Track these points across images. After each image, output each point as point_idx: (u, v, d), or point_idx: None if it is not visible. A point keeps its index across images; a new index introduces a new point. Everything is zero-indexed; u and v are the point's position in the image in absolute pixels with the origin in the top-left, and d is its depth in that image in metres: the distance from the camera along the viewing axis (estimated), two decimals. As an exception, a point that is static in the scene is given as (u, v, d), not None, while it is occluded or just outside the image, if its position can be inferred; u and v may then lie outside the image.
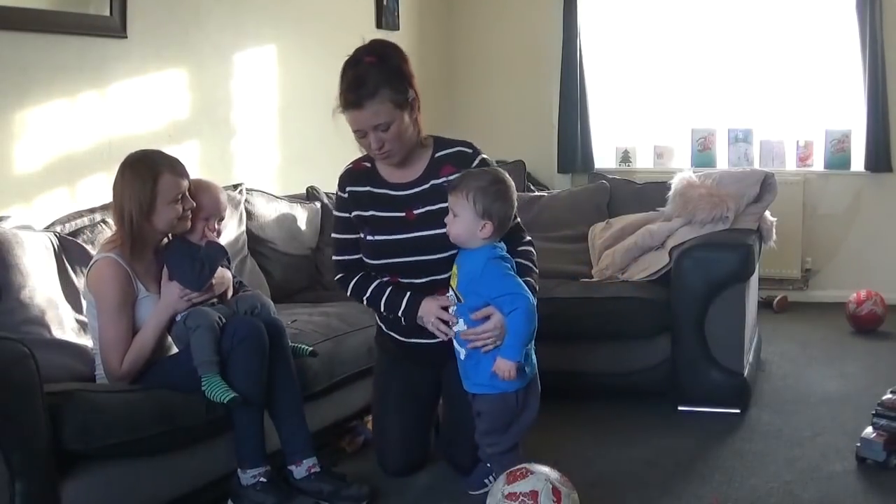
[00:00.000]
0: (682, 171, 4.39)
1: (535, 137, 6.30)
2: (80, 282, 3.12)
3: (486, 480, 2.79)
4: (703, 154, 6.01)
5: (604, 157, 6.24)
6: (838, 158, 5.78)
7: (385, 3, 5.64)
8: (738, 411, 3.75)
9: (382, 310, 2.95)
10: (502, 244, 2.78)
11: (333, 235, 3.05)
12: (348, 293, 3.02)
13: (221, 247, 3.04)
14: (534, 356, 2.80)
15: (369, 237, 2.94)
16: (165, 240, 2.97)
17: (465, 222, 2.70)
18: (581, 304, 3.98)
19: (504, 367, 2.66)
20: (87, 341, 3.00)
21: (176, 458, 2.77)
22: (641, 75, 6.18)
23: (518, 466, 2.60)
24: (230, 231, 3.80)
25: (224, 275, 3.04)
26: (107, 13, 3.69)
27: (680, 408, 3.83)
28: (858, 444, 3.19)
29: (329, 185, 4.61)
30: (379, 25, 5.62)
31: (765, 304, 5.45)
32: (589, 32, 6.13)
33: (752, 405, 3.84)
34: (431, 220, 2.85)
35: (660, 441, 3.48)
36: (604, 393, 3.96)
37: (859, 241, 5.78)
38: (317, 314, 3.63)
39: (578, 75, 6.08)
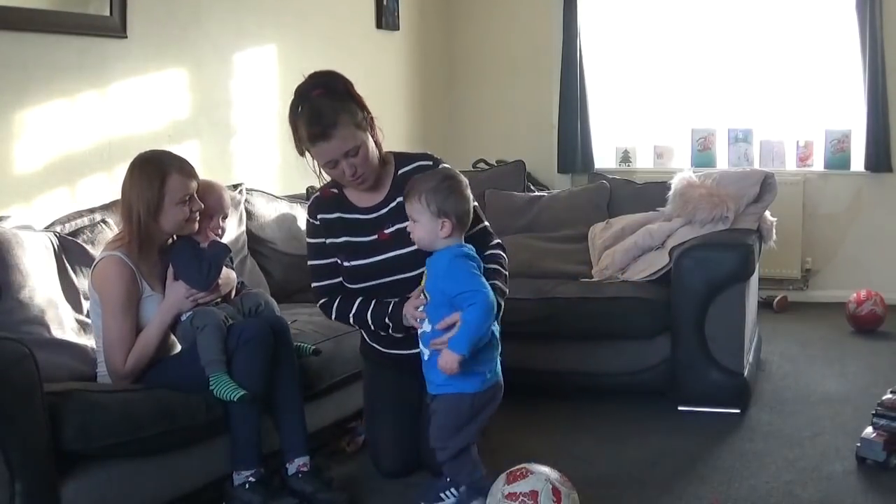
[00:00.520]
0: (682, 171, 4.39)
1: (535, 137, 6.30)
2: (80, 282, 3.12)
3: (442, 494, 2.76)
4: (703, 154, 6.01)
5: (604, 157, 6.24)
6: (838, 158, 5.78)
7: (385, 3, 5.64)
8: (738, 411, 3.75)
9: (370, 322, 2.96)
10: (469, 245, 2.79)
11: (309, 263, 3.05)
12: (332, 317, 3.04)
13: (225, 246, 3.05)
14: (498, 366, 2.79)
15: (346, 263, 2.97)
16: (170, 240, 2.98)
17: (424, 225, 2.73)
18: (581, 304, 3.98)
19: (446, 358, 2.64)
20: (87, 341, 3.00)
21: (176, 458, 2.78)
22: (641, 75, 6.18)
23: (518, 466, 2.61)
24: (230, 231, 3.79)
25: (229, 275, 3.05)
26: (107, 13, 3.69)
27: (680, 408, 3.83)
28: (858, 444, 3.19)
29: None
30: (379, 25, 5.62)
31: (765, 304, 5.45)
32: (589, 32, 6.13)
33: (752, 405, 3.84)
34: (403, 238, 2.88)
35: (660, 441, 3.48)
36: (604, 393, 3.96)
37: (859, 241, 5.78)
38: (317, 314, 3.61)
39: (578, 75, 6.07)
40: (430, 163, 3.01)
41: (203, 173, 3.01)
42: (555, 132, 6.23)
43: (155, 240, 2.90)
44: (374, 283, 2.96)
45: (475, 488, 2.73)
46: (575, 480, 2.65)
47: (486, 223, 3.04)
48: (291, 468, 2.94)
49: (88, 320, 3.07)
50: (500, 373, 2.81)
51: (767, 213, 4.25)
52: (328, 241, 3.00)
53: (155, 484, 2.72)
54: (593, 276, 4.31)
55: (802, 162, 5.87)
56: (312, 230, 3.04)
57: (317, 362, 3.20)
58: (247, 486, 2.85)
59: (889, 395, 3.21)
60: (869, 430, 3.18)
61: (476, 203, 2.98)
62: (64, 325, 2.98)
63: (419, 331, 2.79)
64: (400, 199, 2.89)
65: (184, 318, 2.90)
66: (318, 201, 3.04)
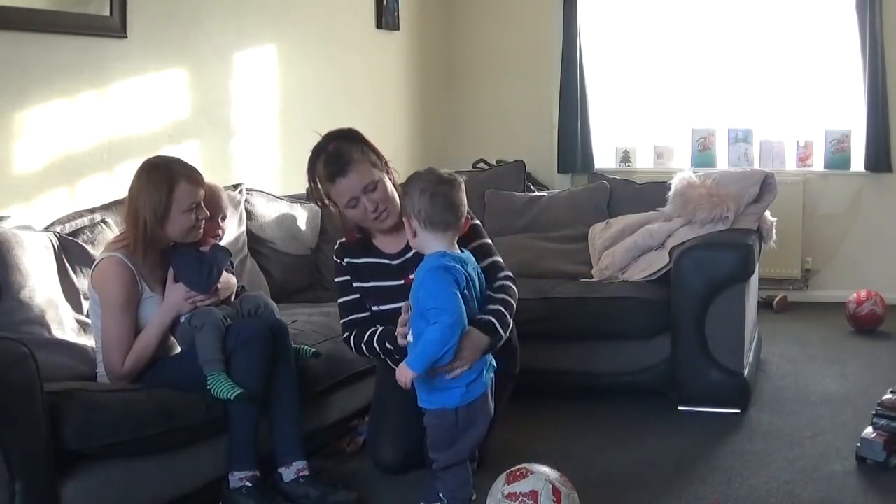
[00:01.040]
0: (682, 171, 4.39)
1: (535, 137, 6.29)
2: (80, 282, 3.12)
3: (440, 495, 2.77)
4: (703, 154, 6.01)
5: (604, 157, 6.24)
6: (838, 158, 5.78)
7: (385, 3, 5.64)
8: (738, 411, 3.75)
9: (378, 349, 2.98)
10: (465, 255, 2.76)
11: (339, 301, 3.10)
12: (354, 350, 3.06)
13: (226, 250, 3.06)
14: (487, 377, 2.76)
15: (374, 307, 3.02)
16: (171, 243, 2.97)
17: (406, 230, 2.74)
18: (581, 304, 3.98)
19: (401, 371, 2.62)
20: (87, 341, 3.00)
21: (176, 458, 2.78)
22: (641, 75, 6.17)
23: (518, 466, 2.61)
24: (230, 231, 3.80)
25: (229, 279, 3.06)
26: (107, 13, 3.69)
27: (680, 408, 3.83)
28: (858, 444, 3.19)
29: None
30: (379, 25, 5.62)
31: (765, 304, 5.44)
32: (589, 32, 6.12)
33: (752, 405, 3.84)
34: None
35: (660, 441, 3.48)
36: (604, 393, 3.96)
37: (859, 241, 5.78)
38: (317, 314, 3.64)
39: (578, 75, 6.07)
40: None
41: (203, 173, 3.01)
42: (555, 132, 6.23)
43: (158, 244, 2.91)
44: None
45: None
46: (575, 480, 2.65)
47: (498, 258, 3.03)
48: (289, 473, 2.93)
49: (88, 320, 3.07)
50: (488, 388, 2.77)
51: (767, 213, 4.25)
52: (355, 283, 3.05)
53: (155, 484, 2.72)
54: (593, 276, 4.31)
55: (802, 162, 5.87)
56: (340, 270, 3.08)
57: (316, 363, 3.20)
58: (243, 490, 2.85)
59: (889, 395, 3.21)
60: (869, 430, 3.18)
61: (490, 240, 3.02)
62: (64, 325, 2.98)
63: (405, 341, 2.77)
64: None
65: (182, 319, 2.91)
66: (344, 246, 3.09)
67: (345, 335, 3.08)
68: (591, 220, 4.61)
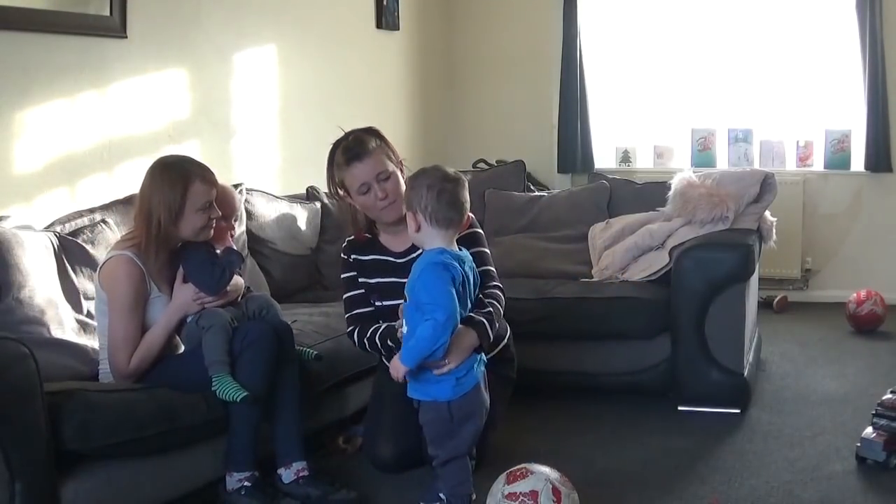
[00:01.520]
0: (682, 171, 4.39)
1: (535, 137, 6.30)
2: (80, 282, 3.12)
3: (441, 495, 2.77)
4: (703, 154, 6.01)
5: (604, 157, 6.24)
6: (838, 158, 5.78)
7: (385, 3, 5.63)
8: (738, 411, 3.75)
9: (379, 345, 3.01)
10: (463, 253, 2.78)
11: (345, 296, 3.14)
12: (357, 344, 3.09)
13: (239, 254, 3.07)
14: (478, 371, 2.78)
15: (377, 303, 3.07)
16: (180, 242, 2.97)
17: (407, 221, 2.77)
18: (581, 304, 3.98)
19: (394, 364, 2.68)
20: (87, 341, 3.00)
21: (176, 458, 2.78)
22: (641, 75, 6.17)
23: (518, 466, 2.61)
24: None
25: (238, 281, 3.06)
26: (107, 13, 3.69)
27: (680, 408, 3.83)
28: (858, 444, 3.19)
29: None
30: (379, 25, 5.62)
31: (765, 304, 5.44)
32: (589, 32, 6.12)
33: (752, 405, 3.84)
34: None
35: (660, 441, 3.49)
36: (604, 393, 3.96)
37: (859, 241, 5.78)
38: (317, 314, 3.64)
39: (578, 75, 6.07)
40: None
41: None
42: (555, 132, 6.23)
43: (169, 243, 2.90)
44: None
45: (452, 502, 2.74)
46: (575, 480, 2.65)
47: (492, 268, 3.06)
48: (288, 474, 2.94)
49: (88, 320, 3.07)
50: (481, 382, 2.79)
51: (767, 213, 4.25)
52: (361, 279, 3.11)
53: (155, 484, 2.72)
54: (593, 276, 4.31)
55: (802, 162, 5.87)
56: (346, 266, 3.14)
57: (316, 363, 3.20)
58: (242, 491, 2.85)
59: (889, 395, 3.21)
60: (869, 430, 3.18)
61: (488, 250, 3.06)
62: (64, 325, 2.98)
63: (400, 332, 2.79)
64: None
65: (189, 319, 2.91)
66: (352, 244, 3.15)
67: (349, 329, 3.11)
68: (591, 220, 4.61)
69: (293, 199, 4.43)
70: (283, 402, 2.96)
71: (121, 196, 3.54)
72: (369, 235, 3.14)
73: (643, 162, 6.20)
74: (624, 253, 4.25)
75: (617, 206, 4.66)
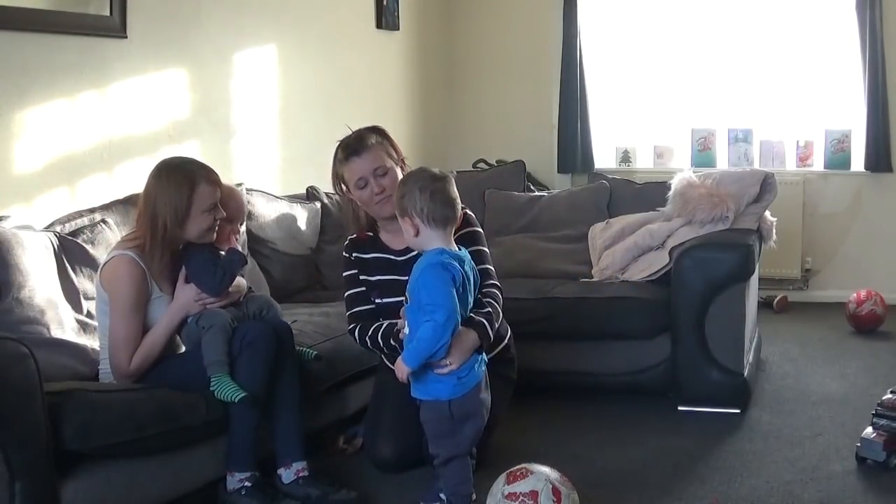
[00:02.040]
0: (682, 171, 4.39)
1: (535, 137, 6.30)
2: (80, 282, 3.12)
3: (441, 495, 2.79)
4: (703, 154, 6.01)
5: (604, 157, 6.24)
6: (838, 158, 5.78)
7: (385, 3, 5.63)
8: (738, 411, 3.75)
9: (381, 343, 3.02)
10: (462, 252, 2.79)
11: (346, 294, 3.17)
12: (358, 341, 3.10)
13: (242, 255, 3.07)
14: (479, 370, 2.79)
15: (377, 300, 3.09)
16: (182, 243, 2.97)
17: (402, 227, 2.77)
18: (581, 304, 3.98)
19: (397, 368, 2.70)
20: (87, 341, 3.00)
21: (176, 458, 2.78)
22: (641, 75, 6.17)
23: (518, 466, 2.61)
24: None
25: (240, 283, 3.06)
26: (107, 13, 3.69)
27: (680, 408, 3.83)
28: (858, 444, 3.19)
29: (329, 185, 4.61)
30: (379, 25, 5.62)
31: (765, 304, 5.44)
32: (589, 32, 6.13)
33: (752, 405, 3.84)
34: None
35: (660, 441, 3.48)
36: (604, 393, 3.96)
37: (859, 241, 5.78)
38: (317, 314, 3.64)
39: (578, 75, 6.07)
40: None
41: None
42: (555, 132, 6.23)
43: (173, 245, 2.90)
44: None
45: (452, 502, 2.74)
46: (575, 480, 2.65)
47: (490, 266, 3.08)
48: (288, 474, 2.93)
49: (88, 320, 3.07)
50: (482, 381, 2.80)
51: (767, 213, 4.25)
52: (362, 277, 3.13)
53: (155, 484, 2.72)
54: (593, 276, 4.31)
55: (802, 162, 5.87)
56: (348, 264, 3.17)
57: (316, 363, 3.20)
58: (243, 491, 2.84)
59: (889, 395, 3.21)
60: (869, 430, 3.18)
61: (487, 248, 3.08)
62: (64, 325, 2.98)
63: (402, 333, 2.79)
64: None
65: (189, 319, 2.91)
66: (354, 241, 3.19)
67: (350, 326, 3.13)
68: (591, 220, 4.61)
69: (293, 199, 4.43)
70: (282, 402, 2.96)
71: (121, 196, 3.54)
72: (371, 234, 3.17)
73: (643, 162, 6.20)
74: (624, 253, 4.25)
75: (617, 206, 4.66)
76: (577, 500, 2.58)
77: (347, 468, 3.24)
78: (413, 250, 2.99)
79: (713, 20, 5.98)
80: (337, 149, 3.12)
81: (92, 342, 3.00)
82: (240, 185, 4.11)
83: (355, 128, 3.14)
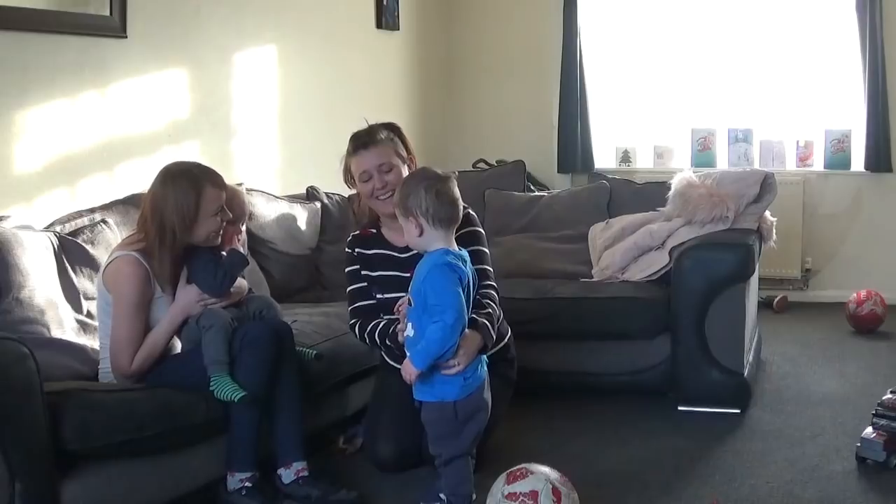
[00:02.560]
0: (682, 171, 4.39)
1: (535, 137, 6.30)
2: (80, 282, 3.12)
3: (441, 495, 2.78)
4: (703, 154, 6.01)
5: (604, 157, 6.24)
6: (838, 158, 5.78)
7: (385, 3, 5.64)
8: (738, 411, 3.75)
9: (378, 339, 3.04)
10: (463, 252, 2.79)
11: (348, 289, 3.19)
12: (358, 337, 3.13)
13: (243, 255, 3.07)
14: (483, 369, 2.79)
15: (378, 295, 3.10)
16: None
17: (404, 227, 2.77)
18: (581, 304, 3.98)
19: (406, 367, 2.70)
20: (87, 341, 3.00)
21: (176, 458, 2.78)
22: (641, 75, 6.17)
23: (518, 466, 2.61)
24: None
25: (241, 284, 3.06)
26: (107, 13, 3.69)
27: (680, 408, 3.83)
28: (858, 444, 3.19)
29: (329, 185, 4.63)
30: (379, 25, 5.62)
31: (765, 304, 5.44)
32: (589, 32, 6.13)
33: (752, 405, 3.84)
34: None
35: (660, 441, 3.48)
36: (604, 392, 3.96)
37: (859, 241, 5.78)
38: (317, 314, 3.64)
39: (578, 75, 6.07)
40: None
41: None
42: (555, 132, 6.23)
43: (179, 247, 2.89)
44: None
45: (452, 502, 2.75)
46: (575, 480, 2.65)
47: (489, 267, 3.08)
48: (288, 474, 2.93)
49: (88, 320, 3.07)
50: (485, 382, 2.81)
51: (767, 213, 4.25)
52: (363, 272, 3.15)
53: (155, 484, 2.72)
54: (593, 276, 4.31)
55: (802, 162, 5.87)
56: (350, 260, 3.19)
57: (316, 363, 3.20)
58: (243, 491, 2.84)
59: (889, 395, 3.21)
60: (869, 430, 3.18)
61: (487, 249, 3.09)
62: (64, 325, 2.98)
63: (404, 335, 2.79)
64: None
65: (190, 319, 2.91)
66: (357, 238, 3.21)
67: (351, 321, 3.15)
68: (591, 220, 4.61)
69: (293, 199, 4.43)
70: (282, 403, 2.96)
71: (121, 196, 3.54)
72: (374, 231, 3.19)
73: (643, 162, 6.20)
74: (624, 253, 4.25)
75: (617, 206, 4.66)
76: (577, 500, 2.57)
77: (347, 468, 3.24)
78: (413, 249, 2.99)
79: (713, 20, 5.98)
80: (349, 140, 3.14)
81: (92, 342, 3.00)
82: (240, 185, 4.11)
83: (372, 121, 3.17)
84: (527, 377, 3.47)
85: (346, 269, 3.20)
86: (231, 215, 2.96)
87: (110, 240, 3.23)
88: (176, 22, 4.08)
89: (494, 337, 2.89)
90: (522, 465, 2.61)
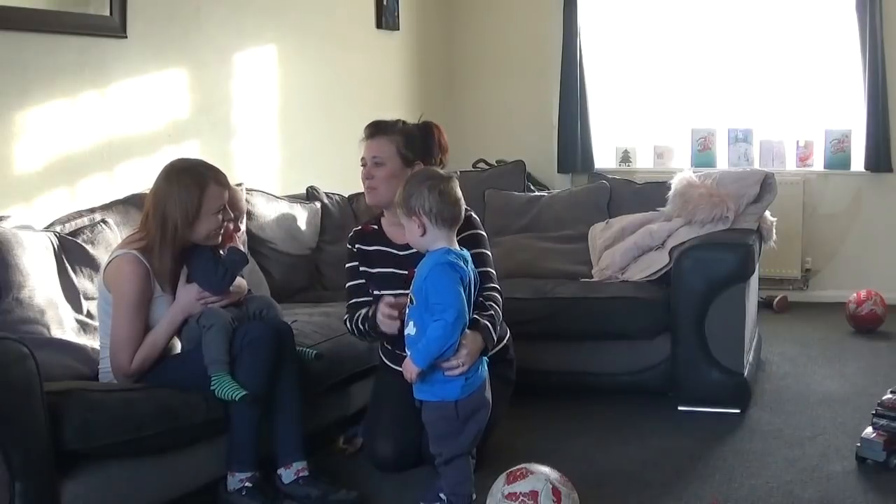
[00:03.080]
0: (682, 171, 4.39)
1: (535, 137, 6.30)
2: (80, 282, 3.12)
3: (441, 495, 2.79)
4: (703, 154, 6.01)
5: (604, 157, 6.24)
6: (838, 158, 5.78)
7: (385, 3, 5.64)
8: (738, 411, 3.75)
9: (361, 324, 3.05)
10: (464, 251, 2.80)
11: (346, 285, 3.21)
12: (348, 330, 3.15)
13: (244, 254, 3.07)
14: (484, 368, 2.80)
15: (376, 292, 3.10)
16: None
17: (406, 227, 2.78)
18: (581, 304, 3.98)
19: (407, 366, 2.71)
20: (87, 341, 3.00)
21: (176, 458, 2.78)
22: (641, 75, 6.17)
23: (518, 466, 2.61)
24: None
25: (241, 283, 3.07)
26: (107, 13, 3.69)
27: (680, 408, 3.83)
28: (858, 444, 3.19)
29: (329, 185, 4.64)
30: (379, 25, 5.62)
31: (765, 304, 5.44)
32: (589, 32, 6.13)
33: (752, 405, 3.84)
34: None
35: (660, 441, 3.48)
36: (604, 393, 3.96)
37: (859, 241, 5.78)
38: (317, 314, 3.64)
39: (578, 75, 6.08)
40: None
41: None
42: (555, 132, 6.23)
43: (181, 246, 2.90)
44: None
45: (452, 502, 2.75)
46: (575, 480, 2.65)
47: (491, 269, 3.08)
48: (288, 474, 2.93)
49: (88, 320, 3.07)
50: (485, 381, 2.81)
51: (767, 213, 4.25)
52: (362, 268, 3.15)
53: (155, 484, 2.72)
54: (593, 276, 4.31)
55: (802, 162, 5.87)
56: (351, 256, 3.20)
57: (316, 363, 3.20)
58: (243, 491, 2.84)
59: (889, 395, 3.21)
60: (869, 430, 3.18)
61: (489, 251, 3.09)
62: (64, 325, 2.98)
63: (405, 333, 2.79)
64: None
65: (190, 319, 2.91)
66: (358, 233, 3.23)
67: (345, 317, 3.16)
68: (591, 220, 4.61)
69: (293, 199, 4.43)
70: (283, 402, 2.96)
71: (121, 196, 3.54)
72: (376, 227, 3.20)
73: (643, 162, 6.20)
74: (624, 253, 4.25)
75: (617, 206, 4.66)
76: (577, 500, 2.57)
77: (347, 468, 3.24)
78: (412, 247, 2.99)
79: (713, 20, 5.98)
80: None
81: (92, 342, 3.00)
82: (240, 184, 4.11)
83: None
84: (527, 377, 3.47)
85: (347, 265, 3.22)
86: (232, 215, 2.96)
87: (110, 240, 3.23)
88: (176, 22, 4.08)
89: (496, 339, 2.89)
90: (522, 465, 2.61)
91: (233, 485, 2.86)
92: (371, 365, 3.38)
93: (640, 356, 3.92)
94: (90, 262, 3.16)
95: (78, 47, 3.59)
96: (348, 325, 3.13)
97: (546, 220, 4.70)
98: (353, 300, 3.16)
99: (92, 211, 3.37)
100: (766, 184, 4.17)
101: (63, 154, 3.56)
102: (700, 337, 3.78)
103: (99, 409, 2.54)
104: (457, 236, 2.84)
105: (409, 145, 3.12)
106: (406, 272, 2.99)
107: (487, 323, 2.84)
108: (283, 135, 4.83)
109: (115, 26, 3.73)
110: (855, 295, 5.06)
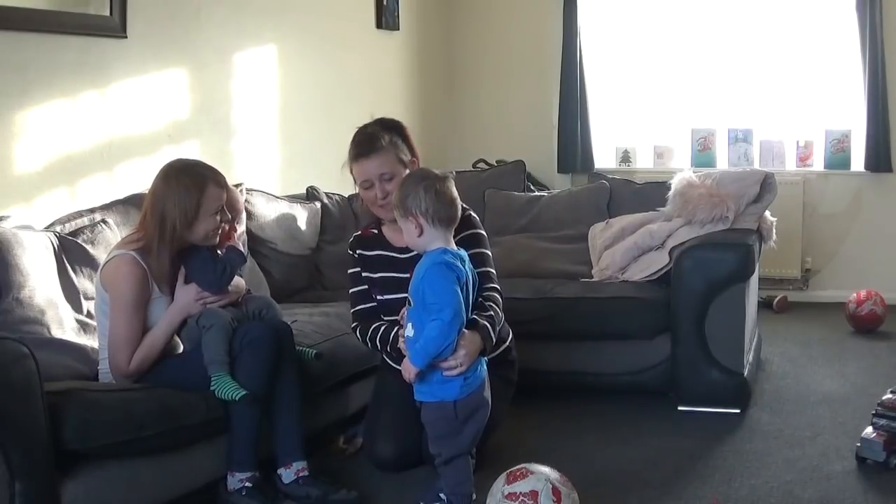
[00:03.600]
0: (682, 171, 4.39)
1: (535, 137, 6.30)
2: (80, 282, 3.12)
3: (441, 495, 2.79)
4: (703, 154, 6.01)
5: (604, 157, 6.24)
6: (838, 158, 5.78)
7: (385, 3, 5.64)
8: (738, 411, 3.75)
9: (378, 342, 3.04)
10: (462, 251, 2.80)
11: (350, 291, 3.19)
12: (360, 339, 3.13)
13: (242, 253, 3.07)
14: (483, 368, 2.80)
15: (379, 297, 3.10)
16: None
17: (403, 228, 2.78)
18: (581, 304, 3.98)
19: (405, 366, 2.71)
20: (87, 341, 3.00)
21: (176, 458, 2.78)
22: (641, 75, 6.18)
23: (518, 466, 2.61)
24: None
25: (239, 282, 3.07)
26: (107, 13, 3.69)
27: (680, 408, 3.83)
28: (858, 444, 3.19)
29: (329, 185, 4.64)
30: (379, 25, 5.62)
31: (765, 304, 5.44)
32: (589, 32, 6.13)
33: (752, 405, 3.84)
34: None
35: (660, 441, 3.48)
36: (604, 393, 3.96)
37: (859, 241, 5.78)
38: (317, 314, 3.64)
39: (578, 75, 6.08)
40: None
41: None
42: (555, 132, 6.23)
43: (179, 246, 2.90)
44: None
45: (452, 502, 2.75)
46: (575, 480, 2.65)
47: (491, 269, 3.08)
48: (288, 474, 2.94)
49: (88, 320, 3.07)
50: (485, 381, 2.81)
51: (767, 213, 4.25)
52: (364, 273, 3.14)
53: (155, 484, 2.72)
54: (593, 276, 4.31)
55: (802, 162, 5.87)
56: (352, 261, 3.19)
57: (316, 363, 3.20)
58: (243, 491, 2.84)
59: (889, 395, 3.21)
60: (869, 430, 3.18)
61: (489, 251, 3.09)
62: (64, 325, 2.98)
63: (403, 334, 2.79)
64: None
65: (189, 319, 2.91)
66: (358, 239, 3.21)
67: (353, 325, 3.15)
68: (591, 220, 4.61)
69: (293, 199, 4.43)
70: (283, 402, 2.96)
71: (121, 196, 3.54)
72: (375, 231, 3.19)
73: (643, 162, 6.20)
74: (624, 253, 4.25)
75: (617, 206, 4.66)
76: (577, 499, 2.57)
77: (347, 468, 3.24)
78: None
79: (713, 20, 5.98)
80: (350, 144, 3.10)
81: (92, 342, 3.00)
82: (239, 185, 4.11)
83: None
84: (527, 377, 3.47)
85: (349, 271, 3.21)
86: (230, 216, 2.96)
87: (110, 240, 3.23)
88: (176, 22, 4.08)
89: (494, 340, 2.88)
90: (522, 465, 2.61)
91: (233, 485, 2.86)
92: (371, 365, 3.38)
93: (640, 356, 3.92)
94: (90, 262, 3.16)
95: (78, 47, 3.59)
96: (359, 336, 3.11)
97: (546, 221, 4.70)
98: (358, 307, 3.15)
99: (92, 211, 3.37)
100: (766, 184, 4.17)
101: (63, 154, 3.56)
102: (700, 337, 3.78)
103: (99, 409, 2.54)
104: (456, 236, 2.85)
105: (399, 148, 3.09)
106: (407, 275, 2.98)
107: (486, 323, 2.83)
108: (283, 135, 4.83)
109: (115, 26, 3.72)
110: (855, 295, 5.06)
